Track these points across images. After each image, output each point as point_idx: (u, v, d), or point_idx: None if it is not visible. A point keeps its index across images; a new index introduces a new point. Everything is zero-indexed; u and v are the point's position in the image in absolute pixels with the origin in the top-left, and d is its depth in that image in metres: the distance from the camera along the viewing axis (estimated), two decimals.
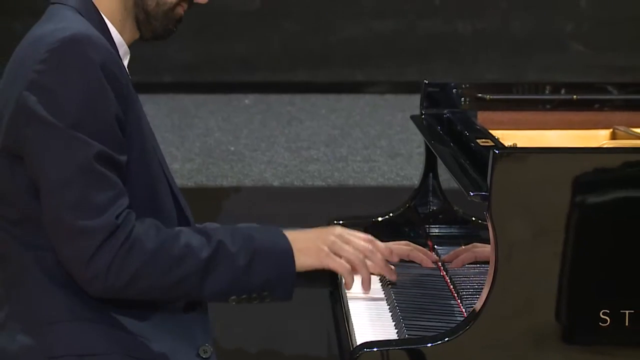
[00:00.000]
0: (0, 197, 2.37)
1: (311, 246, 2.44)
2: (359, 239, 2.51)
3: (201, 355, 2.40)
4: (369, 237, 2.55)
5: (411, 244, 2.69)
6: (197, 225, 2.49)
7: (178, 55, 5.15)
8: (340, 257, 2.44)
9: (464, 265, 2.63)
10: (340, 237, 2.48)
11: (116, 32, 2.44)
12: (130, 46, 2.48)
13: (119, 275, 2.28)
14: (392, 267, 2.55)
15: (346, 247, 2.46)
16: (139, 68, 5.32)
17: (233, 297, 2.38)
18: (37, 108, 2.28)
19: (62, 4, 2.44)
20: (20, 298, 2.37)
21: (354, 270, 2.45)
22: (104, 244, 2.27)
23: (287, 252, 2.40)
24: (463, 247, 2.69)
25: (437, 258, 2.73)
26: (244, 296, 2.38)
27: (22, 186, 2.33)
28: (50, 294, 2.35)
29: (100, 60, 2.30)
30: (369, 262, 2.48)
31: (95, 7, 2.42)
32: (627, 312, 2.22)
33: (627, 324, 2.22)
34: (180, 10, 2.49)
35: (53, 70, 2.30)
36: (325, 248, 2.45)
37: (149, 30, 2.48)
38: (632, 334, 2.22)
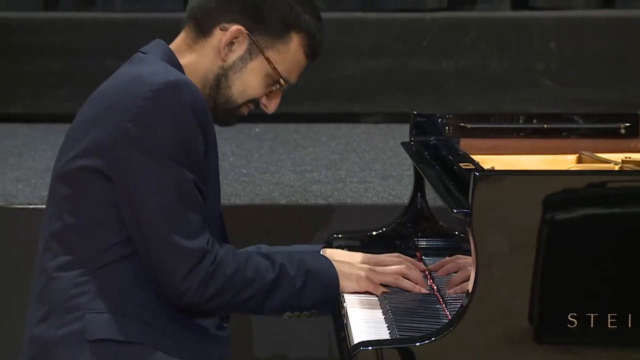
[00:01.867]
0: (73, 207, 2.39)
1: (353, 272, 2.51)
2: (391, 262, 2.60)
3: None
4: (399, 257, 2.63)
5: (402, 255, 2.69)
6: (261, 246, 2.57)
7: None
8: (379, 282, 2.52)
9: (448, 274, 2.63)
10: (375, 265, 2.58)
11: None
12: None
13: (203, 294, 2.33)
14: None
15: (384, 276, 2.53)
16: None
17: (288, 314, 2.44)
18: (140, 139, 2.31)
19: (154, 55, 2.46)
20: (73, 287, 2.37)
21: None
22: (197, 265, 2.32)
23: (334, 278, 2.47)
24: (448, 258, 2.68)
25: (425, 267, 2.72)
26: (296, 313, 2.44)
27: (105, 203, 2.36)
28: (105, 288, 2.36)
29: (193, 104, 2.33)
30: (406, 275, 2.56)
31: (182, 68, 2.44)
32: (592, 315, 2.21)
33: (592, 326, 2.21)
34: (245, 110, 2.53)
35: (154, 108, 2.32)
36: (363, 274, 2.51)
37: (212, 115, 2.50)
38: (596, 334, 2.22)
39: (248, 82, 2.47)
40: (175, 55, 2.46)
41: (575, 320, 2.21)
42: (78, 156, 2.38)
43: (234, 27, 2.44)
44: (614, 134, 3.00)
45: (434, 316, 2.43)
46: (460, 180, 2.38)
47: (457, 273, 2.59)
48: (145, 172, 2.31)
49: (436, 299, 2.54)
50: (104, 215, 2.36)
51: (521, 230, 2.21)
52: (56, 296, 2.39)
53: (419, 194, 2.98)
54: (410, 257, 2.72)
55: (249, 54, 2.46)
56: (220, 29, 2.45)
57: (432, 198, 2.91)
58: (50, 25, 5.60)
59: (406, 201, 3.03)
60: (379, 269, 2.56)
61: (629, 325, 2.22)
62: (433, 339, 2.21)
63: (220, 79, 2.46)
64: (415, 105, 3.81)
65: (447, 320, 2.30)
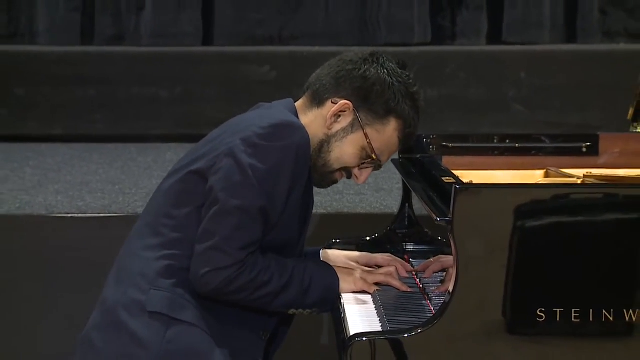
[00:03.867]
0: (171, 201, 2.44)
1: (350, 275, 2.53)
2: (382, 259, 2.65)
3: None
4: (390, 257, 2.66)
5: (392, 255, 2.69)
6: None
7: (213, 114, 5.15)
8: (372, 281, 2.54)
9: (433, 274, 2.63)
10: (369, 261, 2.64)
11: None
12: None
13: (224, 288, 2.35)
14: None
15: (376, 276, 2.54)
16: (185, 124, 5.33)
17: (292, 310, 2.45)
18: (241, 155, 2.35)
19: (281, 106, 2.51)
20: (148, 266, 2.41)
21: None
22: (227, 267, 2.34)
23: (335, 283, 2.49)
24: (432, 259, 2.68)
25: (412, 268, 2.71)
26: (299, 310, 2.45)
27: (195, 201, 2.40)
28: (173, 272, 2.40)
29: (299, 147, 2.37)
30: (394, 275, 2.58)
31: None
32: (558, 310, 2.21)
33: (558, 320, 2.21)
34: (338, 176, 2.54)
35: (265, 137, 2.36)
36: (359, 276, 2.53)
37: None
38: (561, 327, 2.21)
39: (345, 151, 2.49)
40: (297, 113, 2.50)
41: (543, 315, 2.21)
42: (192, 162, 2.45)
43: (343, 102, 2.47)
44: (576, 152, 3.00)
45: (420, 311, 2.43)
46: (443, 193, 2.38)
47: (434, 264, 2.63)
48: (230, 180, 2.35)
49: (422, 296, 2.54)
50: (192, 212, 2.40)
51: (496, 236, 2.20)
52: (132, 270, 2.43)
53: (407, 204, 2.97)
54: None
55: (351, 127, 2.48)
56: (332, 102, 2.49)
57: (419, 208, 2.90)
58: (85, 57, 5.61)
59: (396, 211, 3.03)
60: (371, 272, 2.57)
61: (591, 319, 2.21)
62: (419, 330, 2.21)
63: (323, 144, 2.48)
64: None
65: (431, 315, 2.30)
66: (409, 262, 2.80)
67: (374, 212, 3.82)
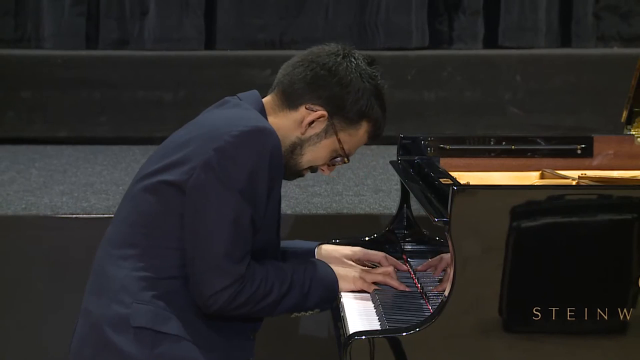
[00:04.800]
0: (146, 211, 2.39)
1: (349, 275, 2.52)
2: (375, 255, 2.65)
3: None
4: (384, 257, 2.65)
5: (387, 255, 2.69)
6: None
7: None
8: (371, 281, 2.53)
9: (440, 271, 2.62)
10: (363, 256, 2.64)
11: None
12: None
13: (228, 306, 2.33)
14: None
15: (375, 276, 2.53)
16: None
17: (295, 314, 2.45)
18: (218, 168, 2.30)
19: (248, 103, 2.47)
20: (129, 277, 2.37)
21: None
22: (229, 286, 2.32)
23: (334, 282, 2.48)
24: (432, 259, 2.67)
25: (406, 267, 2.71)
26: (302, 313, 2.45)
27: (173, 212, 2.35)
28: (154, 285, 2.36)
29: (272, 151, 2.33)
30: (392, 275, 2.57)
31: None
32: (553, 309, 2.20)
33: (553, 318, 2.20)
34: (305, 173, 2.53)
35: (239, 145, 2.32)
36: (357, 275, 2.52)
37: None
38: (557, 326, 2.21)
39: (318, 154, 2.49)
40: (265, 110, 2.47)
41: (539, 313, 2.20)
42: (161, 170, 2.39)
43: (320, 112, 2.45)
44: (571, 154, 2.99)
45: (418, 310, 2.42)
46: (441, 194, 2.37)
47: (441, 263, 2.60)
48: (214, 196, 2.31)
49: (420, 295, 2.53)
50: (169, 223, 2.36)
51: (492, 236, 2.20)
52: (113, 281, 2.38)
53: (405, 205, 2.97)
54: (396, 259, 2.72)
55: (325, 133, 2.47)
56: (306, 108, 2.46)
57: (416, 209, 2.90)
58: (91, 61, 5.61)
59: (394, 211, 3.02)
60: (369, 272, 2.56)
61: (585, 318, 2.20)
62: (417, 329, 2.20)
63: (296, 147, 2.47)
64: (401, 130, 3.80)
65: (429, 314, 2.29)
66: (407, 262, 2.79)
67: (373, 213, 3.82)
